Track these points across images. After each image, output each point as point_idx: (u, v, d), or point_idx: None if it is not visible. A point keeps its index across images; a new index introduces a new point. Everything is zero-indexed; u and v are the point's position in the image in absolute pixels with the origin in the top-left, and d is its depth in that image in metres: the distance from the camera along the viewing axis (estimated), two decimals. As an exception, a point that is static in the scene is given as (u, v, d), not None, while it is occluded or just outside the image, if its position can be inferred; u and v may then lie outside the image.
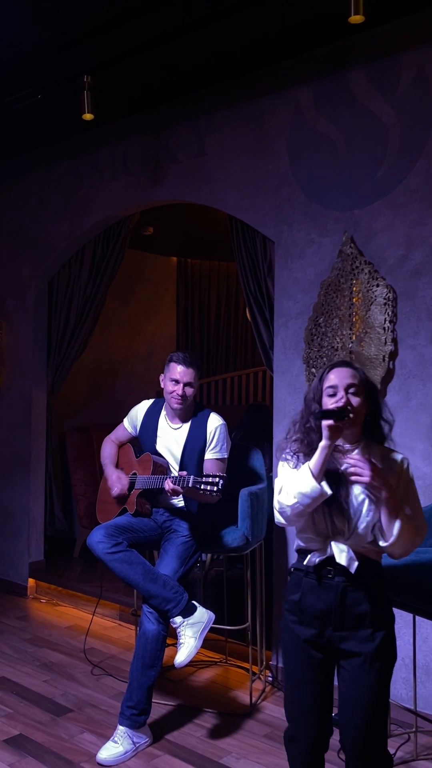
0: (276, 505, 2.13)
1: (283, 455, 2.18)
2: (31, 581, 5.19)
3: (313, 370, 3.61)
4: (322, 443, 2.05)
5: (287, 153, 3.81)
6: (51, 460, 5.38)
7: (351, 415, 2.05)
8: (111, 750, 2.98)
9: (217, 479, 2.91)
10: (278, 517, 2.15)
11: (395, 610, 2.97)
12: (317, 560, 2.11)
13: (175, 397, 3.25)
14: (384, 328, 3.38)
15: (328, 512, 2.09)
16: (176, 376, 3.23)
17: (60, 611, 4.86)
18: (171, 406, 3.31)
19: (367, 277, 3.44)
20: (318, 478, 2.04)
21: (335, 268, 3.56)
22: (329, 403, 2.10)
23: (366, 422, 2.14)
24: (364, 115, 3.50)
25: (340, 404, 2.06)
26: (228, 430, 3.37)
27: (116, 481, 3.40)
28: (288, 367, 3.78)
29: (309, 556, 2.13)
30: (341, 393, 2.09)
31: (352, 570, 2.07)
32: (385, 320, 3.37)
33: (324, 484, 2.04)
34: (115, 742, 3.00)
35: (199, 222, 6.07)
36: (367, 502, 2.07)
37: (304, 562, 2.14)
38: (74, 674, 3.81)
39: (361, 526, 2.07)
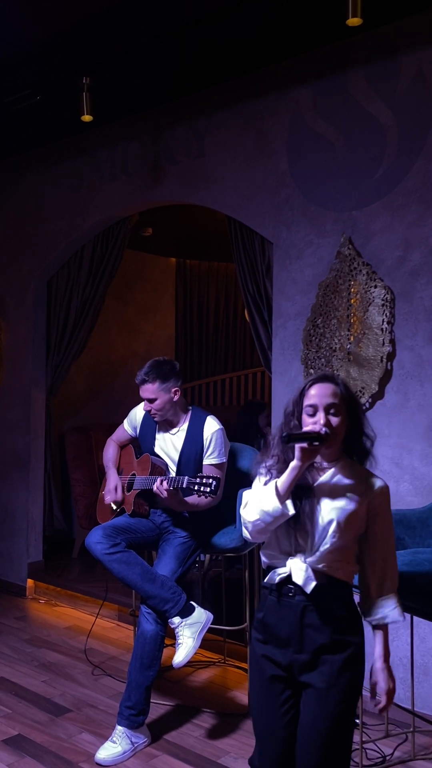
0: (241, 519, 2.06)
1: (259, 469, 2.10)
2: (29, 581, 5.20)
3: (312, 371, 3.62)
4: (293, 463, 1.95)
5: (286, 153, 3.82)
6: (50, 460, 5.39)
7: (326, 438, 1.96)
8: (109, 750, 2.98)
9: (210, 480, 2.91)
10: (244, 532, 2.08)
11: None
12: (277, 578, 2.03)
13: (151, 414, 3.31)
14: (382, 329, 3.38)
15: (293, 529, 2.00)
16: (140, 394, 3.28)
17: (59, 611, 4.86)
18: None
19: (365, 278, 3.45)
20: (283, 497, 1.95)
21: (333, 269, 3.57)
22: (308, 422, 2.00)
23: (346, 439, 2.04)
24: (362, 116, 3.51)
25: (316, 428, 1.95)
26: (226, 430, 3.37)
27: (111, 490, 3.43)
28: (286, 367, 3.79)
29: (271, 573, 2.06)
30: (321, 415, 1.99)
31: (308, 590, 1.97)
32: (383, 321, 3.38)
33: (288, 503, 1.95)
34: (114, 742, 3.01)
35: (198, 223, 6.07)
36: (334, 524, 1.98)
37: (266, 580, 2.07)
38: (73, 674, 3.82)
39: (324, 547, 1.98)
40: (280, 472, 2.01)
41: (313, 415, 2.01)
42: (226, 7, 3.27)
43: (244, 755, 3.01)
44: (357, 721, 3.04)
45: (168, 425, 3.34)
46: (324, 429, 1.96)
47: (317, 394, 2.02)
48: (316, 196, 3.69)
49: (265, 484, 2.04)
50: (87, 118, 3.92)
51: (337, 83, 3.60)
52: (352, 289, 3.50)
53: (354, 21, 2.97)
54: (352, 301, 3.50)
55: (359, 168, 3.52)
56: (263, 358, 4.06)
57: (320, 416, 1.99)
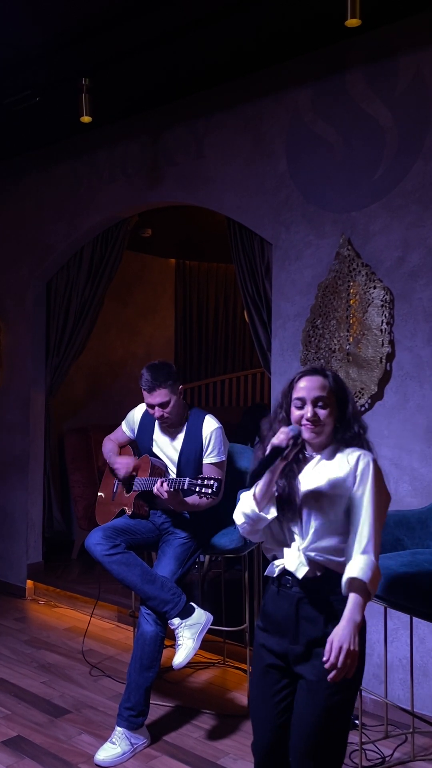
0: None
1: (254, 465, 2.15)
2: (29, 583, 5.20)
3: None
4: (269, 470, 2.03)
5: (285, 155, 3.82)
6: (49, 462, 5.39)
7: (286, 448, 2.00)
8: (109, 751, 2.98)
9: (212, 482, 2.91)
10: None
11: (393, 612, 3.00)
12: (276, 570, 2.08)
13: (157, 419, 3.28)
14: (381, 330, 3.39)
15: (284, 521, 2.06)
16: (148, 401, 3.24)
17: (58, 613, 4.86)
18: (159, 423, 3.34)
19: (364, 279, 3.45)
20: (260, 502, 2.03)
21: (332, 270, 3.57)
22: (296, 415, 2.06)
23: (337, 429, 2.08)
24: (361, 117, 3.51)
25: (275, 441, 1.99)
26: (226, 431, 3.37)
27: (123, 464, 3.39)
28: (285, 368, 3.79)
29: (270, 564, 2.11)
30: (308, 408, 2.04)
31: (299, 576, 2.01)
32: (382, 322, 3.38)
33: (269, 509, 2.02)
34: (113, 744, 3.01)
35: (198, 224, 6.08)
36: (315, 505, 2.01)
37: (266, 571, 2.12)
38: (72, 675, 3.81)
39: (310, 531, 2.02)
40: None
41: (301, 407, 2.07)
42: (225, 8, 3.27)
43: (244, 756, 3.01)
44: (356, 722, 3.04)
45: (168, 426, 3.34)
46: (285, 442, 2.00)
47: (306, 387, 2.07)
48: (316, 197, 3.69)
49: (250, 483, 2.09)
50: (86, 119, 3.92)
51: (336, 84, 3.60)
52: (352, 290, 3.50)
53: (353, 22, 2.97)
54: (352, 302, 3.50)
55: (358, 169, 3.52)
56: (262, 359, 4.06)
57: (308, 409, 2.05)
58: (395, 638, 3.27)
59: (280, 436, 2.02)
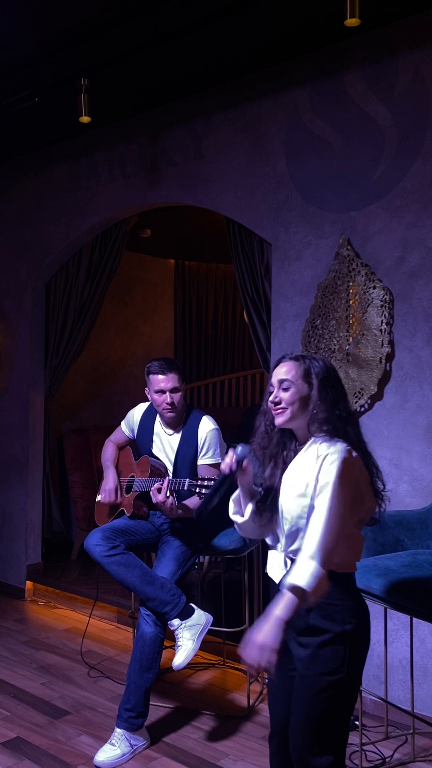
0: None
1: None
2: (28, 584, 5.19)
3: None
4: None
5: (284, 155, 3.82)
6: (48, 463, 5.38)
7: (232, 475, 2.04)
8: (108, 752, 2.98)
9: (211, 482, 2.90)
10: None
11: (393, 612, 2.99)
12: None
13: (165, 407, 3.22)
14: (381, 330, 3.38)
15: (272, 523, 2.06)
16: (160, 386, 3.19)
17: (57, 614, 4.85)
18: (164, 416, 3.30)
19: (363, 279, 3.45)
20: (235, 506, 2.12)
21: (332, 270, 3.56)
22: (268, 401, 2.06)
23: (315, 415, 1.98)
24: (360, 117, 3.51)
25: (225, 470, 2.03)
26: (225, 432, 3.36)
27: (108, 490, 3.42)
28: (285, 369, 3.78)
29: None
30: (275, 392, 2.03)
31: (276, 580, 2.02)
32: (381, 322, 3.38)
33: (242, 511, 2.09)
34: (113, 745, 3.00)
35: (197, 224, 6.08)
36: (287, 512, 1.98)
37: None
38: (72, 677, 3.81)
39: (285, 534, 2.01)
40: (266, 453, 2.09)
41: (271, 393, 2.06)
42: (224, 9, 3.27)
43: (244, 757, 3.01)
44: (356, 723, 3.04)
45: (168, 426, 3.33)
46: (228, 468, 2.02)
47: (274, 373, 2.08)
48: (315, 197, 3.69)
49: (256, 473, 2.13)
50: (85, 119, 3.92)
51: (335, 84, 3.60)
52: (351, 290, 3.49)
53: (352, 21, 2.96)
54: (351, 302, 3.49)
55: (357, 169, 3.52)
56: (262, 359, 4.06)
57: (274, 393, 2.04)
58: (395, 639, 3.26)
59: (226, 460, 2.04)
